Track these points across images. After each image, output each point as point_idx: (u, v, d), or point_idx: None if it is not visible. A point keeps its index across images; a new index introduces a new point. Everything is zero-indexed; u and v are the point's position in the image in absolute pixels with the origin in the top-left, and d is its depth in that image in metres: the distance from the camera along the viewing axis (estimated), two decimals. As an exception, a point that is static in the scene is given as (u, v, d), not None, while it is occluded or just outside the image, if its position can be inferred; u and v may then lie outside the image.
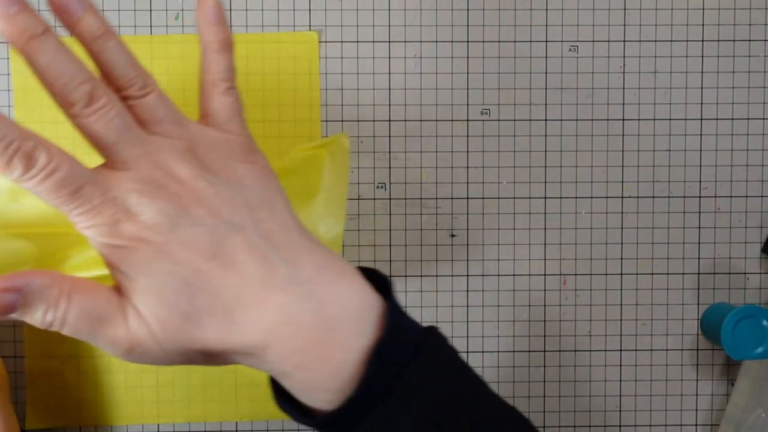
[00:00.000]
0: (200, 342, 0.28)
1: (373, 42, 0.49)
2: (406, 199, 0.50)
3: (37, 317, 0.27)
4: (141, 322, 0.28)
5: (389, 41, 0.49)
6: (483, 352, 0.50)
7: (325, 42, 0.49)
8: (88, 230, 0.28)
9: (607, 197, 0.50)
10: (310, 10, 0.49)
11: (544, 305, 0.50)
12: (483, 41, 0.49)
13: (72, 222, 0.28)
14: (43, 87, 0.28)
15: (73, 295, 0.27)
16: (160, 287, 0.28)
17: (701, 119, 0.50)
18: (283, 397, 0.31)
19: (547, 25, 0.50)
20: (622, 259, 0.50)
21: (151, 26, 0.49)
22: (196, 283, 0.28)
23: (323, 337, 0.28)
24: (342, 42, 0.49)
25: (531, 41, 0.50)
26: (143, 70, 0.31)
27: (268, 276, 0.28)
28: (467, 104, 0.50)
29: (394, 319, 0.30)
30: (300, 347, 0.28)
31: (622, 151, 0.50)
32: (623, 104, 0.50)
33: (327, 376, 0.28)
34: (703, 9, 0.50)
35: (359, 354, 0.29)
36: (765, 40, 0.50)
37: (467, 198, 0.50)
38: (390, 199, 0.49)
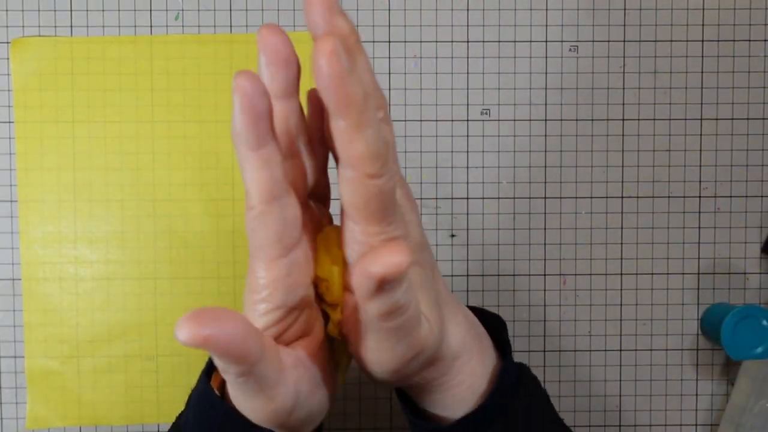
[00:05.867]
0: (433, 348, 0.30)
1: (373, 42, 0.49)
2: (406, 199, 0.50)
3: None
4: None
5: (389, 41, 0.49)
6: (483, 352, 0.50)
7: (325, 42, 0.49)
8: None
9: (607, 197, 0.50)
10: (310, 10, 0.49)
11: (544, 305, 0.50)
12: (483, 41, 0.49)
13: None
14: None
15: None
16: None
17: (701, 119, 0.50)
18: (413, 412, 0.33)
19: (547, 25, 0.50)
20: (622, 259, 0.50)
21: (151, 26, 0.49)
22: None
23: (478, 349, 0.32)
24: (342, 42, 0.49)
25: (531, 41, 0.50)
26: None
27: (452, 296, 0.31)
28: (467, 104, 0.50)
29: (506, 343, 0.33)
30: (475, 355, 0.31)
31: (622, 151, 0.50)
32: (623, 104, 0.50)
33: (480, 383, 0.31)
34: (703, 9, 0.50)
35: (490, 370, 0.32)
36: (765, 40, 0.50)
37: (467, 198, 0.50)
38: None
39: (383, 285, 0.23)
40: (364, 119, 0.23)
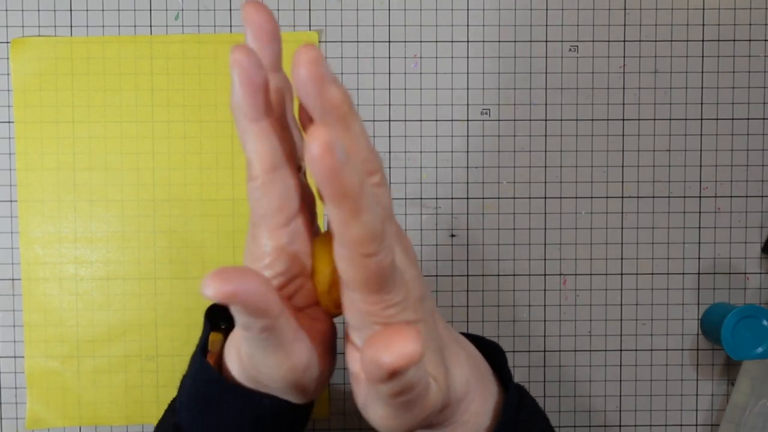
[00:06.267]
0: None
1: (373, 42, 0.49)
2: (406, 199, 0.50)
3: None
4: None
5: (389, 41, 0.49)
6: (483, 352, 0.50)
7: (325, 42, 0.49)
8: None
9: (607, 197, 0.50)
10: (310, 10, 0.49)
11: (544, 305, 0.50)
12: (483, 41, 0.49)
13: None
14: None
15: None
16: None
17: (701, 119, 0.50)
18: None
19: (547, 25, 0.50)
20: (622, 259, 0.50)
21: (151, 26, 0.49)
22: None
23: (482, 386, 0.31)
24: (342, 42, 0.49)
25: (531, 41, 0.50)
26: None
27: (451, 334, 0.31)
28: (467, 104, 0.50)
29: (507, 373, 0.33)
30: (478, 393, 0.31)
31: (622, 151, 0.50)
32: (623, 104, 0.50)
33: (484, 420, 0.31)
34: (703, 9, 0.50)
35: (493, 404, 0.32)
36: (765, 40, 0.50)
37: (467, 198, 0.50)
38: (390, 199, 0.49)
39: (395, 374, 0.23)
40: (359, 206, 0.22)
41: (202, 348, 0.32)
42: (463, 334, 0.34)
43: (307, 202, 0.28)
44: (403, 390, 0.25)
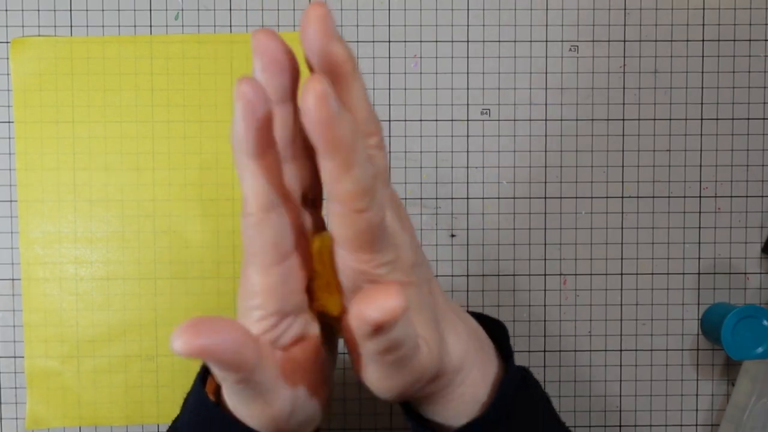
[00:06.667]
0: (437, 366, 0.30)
1: (373, 42, 0.49)
2: (406, 199, 0.50)
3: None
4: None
5: (389, 41, 0.49)
6: (483, 352, 0.50)
7: (325, 42, 0.49)
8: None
9: (607, 197, 0.50)
10: (310, 10, 0.49)
11: (544, 305, 0.50)
12: (483, 41, 0.49)
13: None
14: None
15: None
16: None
17: (701, 119, 0.50)
18: (416, 419, 0.33)
19: (547, 25, 0.50)
20: (622, 259, 0.50)
21: (151, 26, 0.49)
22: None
23: (482, 356, 0.31)
24: (342, 42, 0.49)
25: (531, 41, 0.50)
26: None
27: (450, 306, 0.31)
28: (467, 104, 0.50)
29: (508, 349, 0.33)
30: (476, 365, 0.31)
31: (622, 151, 0.50)
32: (623, 104, 0.50)
33: (482, 393, 0.31)
34: (703, 9, 0.50)
35: (492, 379, 0.32)
36: (765, 40, 0.50)
37: (467, 198, 0.50)
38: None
39: (379, 329, 0.24)
40: (351, 159, 0.23)
41: (203, 372, 0.31)
42: (469, 312, 0.34)
43: (305, 235, 0.28)
44: (389, 347, 0.25)
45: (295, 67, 0.25)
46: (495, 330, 0.34)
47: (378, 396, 0.29)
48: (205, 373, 0.31)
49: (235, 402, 0.27)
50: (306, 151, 0.28)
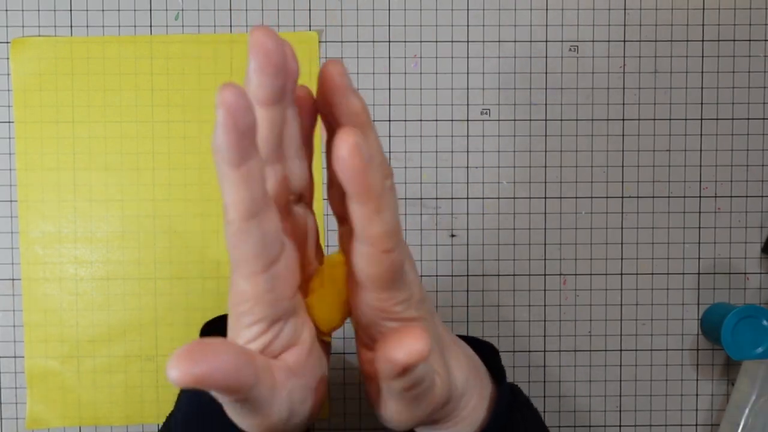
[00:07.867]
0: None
1: (373, 42, 0.49)
2: (406, 199, 0.50)
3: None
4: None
5: (389, 41, 0.49)
6: (483, 352, 0.50)
7: (325, 42, 0.49)
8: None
9: (607, 197, 0.50)
10: (310, 10, 0.49)
11: (544, 305, 0.50)
12: (483, 41, 0.49)
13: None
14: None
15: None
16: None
17: (701, 119, 0.50)
18: None
19: (547, 25, 0.50)
20: (622, 259, 0.50)
21: (151, 26, 0.49)
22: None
23: (479, 384, 0.33)
24: (342, 42, 0.49)
25: (531, 41, 0.50)
26: None
27: (449, 336, 0.33)
28: (467, 104, 0.50)
29: (501, 370, 0.35)
30: (476, 389, 0.33)
31: (622, 151, 0.50)
32: (623, 104, 0.50)
33: (480, 415, 0.33)
34: (703, 9, 0.50)
35: (488, 400, 0.34)
36: (765, 40, 0.50)
37: (467, 198, 0.50)
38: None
39: (406, 370, 0.25)
40: (381, 204, 0.24)
41: None
42: (458, 336, 0.36)
43: (294, 237, 0.28)
44: (413, 384, 0.27)
45: (291, 68, 0.25)
46: (487, 352, 0.36)
47: (392, 428, 0.31)
48: None
49: (232, 415, 0.28)
50: (298, 152, 0.27)
